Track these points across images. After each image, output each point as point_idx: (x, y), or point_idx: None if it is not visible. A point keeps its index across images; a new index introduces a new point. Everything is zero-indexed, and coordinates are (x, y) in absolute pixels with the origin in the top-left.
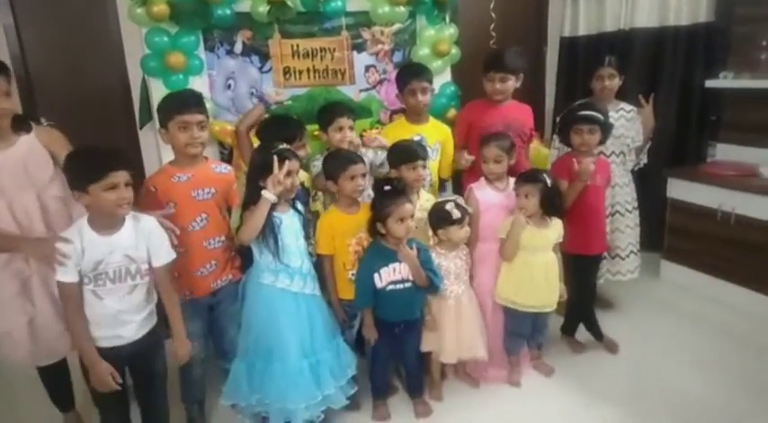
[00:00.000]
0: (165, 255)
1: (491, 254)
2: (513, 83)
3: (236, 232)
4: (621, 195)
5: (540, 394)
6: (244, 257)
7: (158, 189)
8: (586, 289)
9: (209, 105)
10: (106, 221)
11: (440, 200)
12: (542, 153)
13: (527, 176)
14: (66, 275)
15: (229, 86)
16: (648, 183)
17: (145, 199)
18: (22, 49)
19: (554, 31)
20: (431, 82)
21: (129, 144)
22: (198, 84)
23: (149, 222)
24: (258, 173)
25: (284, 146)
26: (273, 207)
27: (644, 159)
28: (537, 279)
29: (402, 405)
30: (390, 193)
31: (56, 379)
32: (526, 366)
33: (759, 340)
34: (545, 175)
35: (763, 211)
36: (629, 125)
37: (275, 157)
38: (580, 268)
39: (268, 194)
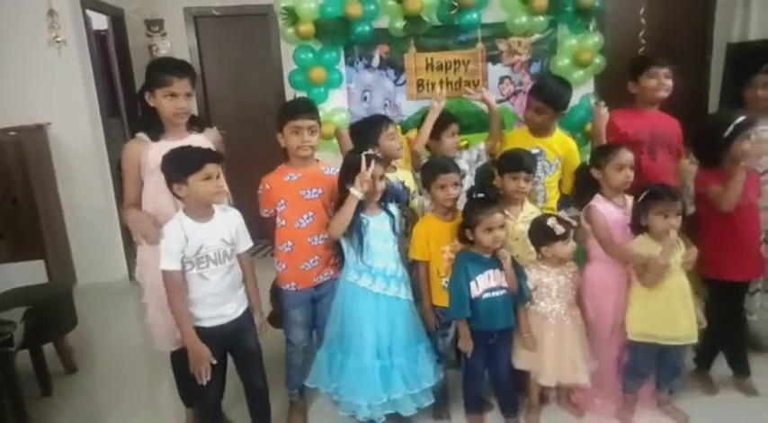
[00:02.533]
0: (246, 242)
1: (614, 278)
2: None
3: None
4: None
5: None
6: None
7: (272, 187)
8: (732, 318)
9: (345, 116)
10: (201, 211)
11: (539, 216)
12: (691, 170)
13: (673, 194)
14: (171, 264)
15: (365, 98)
16: None
17: (262, 196)
18: (202, 68)
19: (719, 36)
20: (545, 102)
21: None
22: (337, 96)
23: (235, 214)
24: (347, 173)
25: (371, 151)
26: (362, 208)
27: None
28: (675, 306)
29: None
30: (481, 201)
31: (184, 368)
32: (643, 406)
33: None
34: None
35: None
36: None
37: (363, 158)
38: (724, 295)
39: (355, 191)
